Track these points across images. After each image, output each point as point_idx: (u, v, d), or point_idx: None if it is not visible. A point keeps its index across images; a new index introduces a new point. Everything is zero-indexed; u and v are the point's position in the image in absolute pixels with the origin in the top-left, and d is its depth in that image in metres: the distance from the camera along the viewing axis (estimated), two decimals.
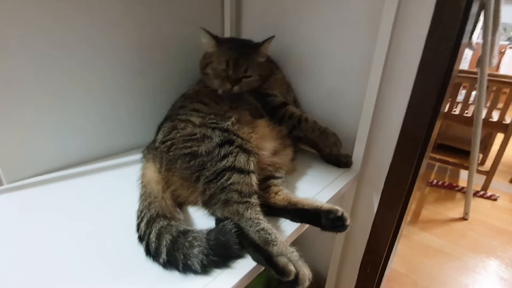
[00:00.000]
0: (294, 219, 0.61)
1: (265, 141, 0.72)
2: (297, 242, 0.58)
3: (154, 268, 0.49)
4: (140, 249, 0.53)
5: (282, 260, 0.48)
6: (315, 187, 0.76)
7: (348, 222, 0.59)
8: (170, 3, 0.90)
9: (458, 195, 2.25)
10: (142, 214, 0.57)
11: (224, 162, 0.60)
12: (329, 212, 0.59)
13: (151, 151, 0.72)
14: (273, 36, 0.83)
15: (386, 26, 0.71)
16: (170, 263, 0.48)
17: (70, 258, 0.51)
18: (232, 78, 0.79)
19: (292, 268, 0.47)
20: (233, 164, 0.60)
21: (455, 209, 2.06)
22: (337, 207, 0.60)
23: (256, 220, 0.53)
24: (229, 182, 0.58)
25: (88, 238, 0.56)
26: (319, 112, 0.98)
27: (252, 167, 0.61)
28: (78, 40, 0.75)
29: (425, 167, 1.02)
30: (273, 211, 0.62)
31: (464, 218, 1.96)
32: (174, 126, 0.69)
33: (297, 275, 0.46)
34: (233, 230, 0.51)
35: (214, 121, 0.68)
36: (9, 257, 0.51)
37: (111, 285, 0.46)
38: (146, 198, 0.60)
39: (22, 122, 0.72)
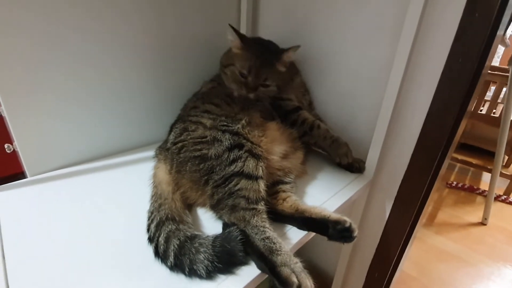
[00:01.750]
0: (301, 227, 0.61)
1: (275, 144, 0.71)
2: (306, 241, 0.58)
3: (162, 269, 0.51)
4: (149, 249, 0.55)
5: (285, 270, 0.48)
6: (325, 193, 0.75)
7: (355, 233, 0.58)
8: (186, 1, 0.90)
9: (479, 199, 2.17)
10: (152, 216, 0.58)
11: (232, 167, 0.61)
12: (336, 222, 0.59)
13: (163, 151, 0.73)
14: (299, 46, 0.81)
15: (411, 22, 0.68)
16: (177, 267, 0.50)
17: (84, 252, 0.54)
18: (250, 85, 0.79)
19: (294, 279, 0.47)
20: (241, 170, 0.60)
21: (474, 213, 1.99)
22: (345, 218, 0.59)
23: (262, 228, 0.54)
24: (236, 187, 0.58)
25: (103, 233, 0.59)
26: (334, 113, 0.96)
27: (260, 172, 0.62)
28: (108, 37, 0.77)
29: (444, 171, 0.99)
30: (280, 218, 0.63)
31: (482, 223, 1.89)
32: (186, 128, 0.70)
33: (299, 286, 0.47)
34: (238, 238, 0.52)
35: (225, 123, 0.69)
36: (27, 248, 0.55)
37: (120, 281, 0.49)
38: (156, 199, 0.62)
39: (44, 117, 0.75)
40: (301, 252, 1.22)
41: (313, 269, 1.17)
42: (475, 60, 0.66)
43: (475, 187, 2.24)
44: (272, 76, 0.80)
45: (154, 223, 0.56)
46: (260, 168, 0.62)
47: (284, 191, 0.67)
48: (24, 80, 0.69)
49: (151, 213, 0.59)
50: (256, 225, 0.54)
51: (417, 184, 0.84)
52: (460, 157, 2.46)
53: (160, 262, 0.52)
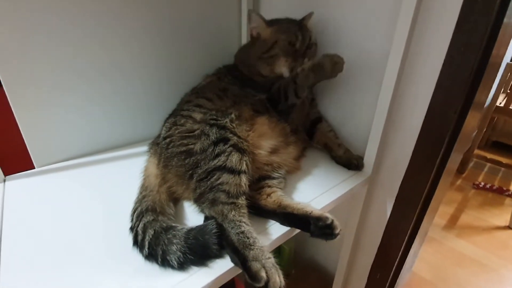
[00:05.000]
0: (283, 222, 0.61)
1: (263, 139, 0.71)
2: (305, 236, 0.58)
3: (138, 258, 0.53)
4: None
5: (255, 265, 0.48)
6: (316, 189, 0.73)
7: (337, 231, 0.57)
8: None
9: (508, 201, 2.01)
10: (136, 206, 0.60)
11: (215, 161, 0.61)
12: (318, 219, 0.57)
13: (154, 146, 0.75)
14: (312, 13, 0.84)
15: (407, 10, 0.64)
16: (152, 256, 0.51)
17: (75, 240, 0.57)
18: (302, 49, 0.80)
19: (263, 274, 0.46)
20: (224, 164, 0.60)
21: (501, 216, 1.85)
22: (327, 215, 0.57)
23: (238, 222, 0.53)
24: (218, 182, 0.58)
25: (95, 223, 0.61)
26: (332, 109, 0.93)
27: (244, 167, 0.61)
28: (110, 32, 0.80)
29: (454, 167, 0.93)
30: (263, 212, 0.62)
31: (509, 227, 1.76)
32: (175, 122, 0.71)
33: (267, 282, 0.46)
34: (213, 231, 0.52)
35: (214, 117, 0.69)
36: (23, 234, 0.58)
37: (100, 266, 0.51)
38: (142, 191, 0.64)
39: (50, 110, 0.78)
40: (303, 248, 1.20)
41: (314, 265, 1.16)
42: (478, 50, 0.61)
43: (505, 189, 2.08)
44: (312, 33, 0.83)
45: (136, 213, 0.58)
46: (244, 162, 0.62)
47: (269, 186, 0.66)
48: (29, 74, 0.73)
49: (135, 203, 0.61)
50: (233, 219, 0.54)
51: (420, 182, 0.80)
52: (489, 156, 2.30)
53: (137, 251, 0.53)
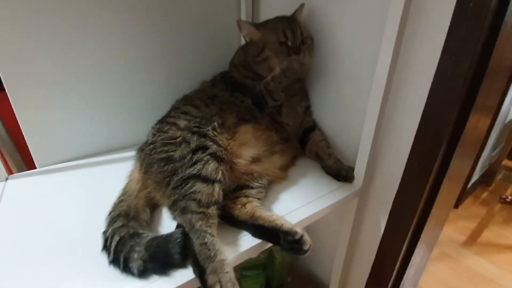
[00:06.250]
0: (254, 234, 0.59)
1: (244, 148, 0.70)
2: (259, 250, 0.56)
3: (105, 264, 0.54)
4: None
5: (212, 279, 0.47)
6: (299, 200, 0.71)
7: (307, 247, 0.55)
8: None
9: None
10: (111, 210, 0.62)
11: (191, 169, 0.61)
12: (287, 233, 0.55)
13: (140, 151, 0.76)
14: (303, 4, 0.82)
15: (394, 14, 0.60)
16: (115, 262, 0.52)
17: (59, 240, 0.59)
18: (295, 45, 0.78)
19: None
20: (199, 172, 0.60)
21: None
22: (296, 229, 0.55)
23: (203, 233, 0.53)
24: (191, 190, 0.58)
25: (85, 224, 0.63)
26: (322, 118, 0.90)
27: (219, 176, 0.61)
28: (110, 35, 0.83)
29: (463, 175, 0.86)
30: (236, 223, 0.61)
31: None
32: (160, 129, 0.72)
33: None
34: (177, 240, 0.52)
35: (197, 125, 0.69)
36: (14, 234, 0.62)
37: (70, 268, 0.53)
38: (121, 195, 0.65)
39: (51, 111, 0.82)
40: (298, 257, 1.17)
41: (310, 275, 1.12)
42: (472, 56, 0.57)
43: None
44: (304, 29, 0.81)
45: (109, 217, 0.59)
46: (220, 171, 0.62)
47: (246, 196, 0.65)
48: (29, 74, 0.76)
49: (111, 207, 0.63)
50: (199, 230, 0.53)
51: (413, 197, 0.75)
52: None
53: (106, 255, 0.55)
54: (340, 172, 0.79)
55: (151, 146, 0.70)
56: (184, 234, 0.53)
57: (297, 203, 0.70)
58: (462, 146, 0.69)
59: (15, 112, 0.79)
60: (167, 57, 0.96)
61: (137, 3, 0.84)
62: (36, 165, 0.88)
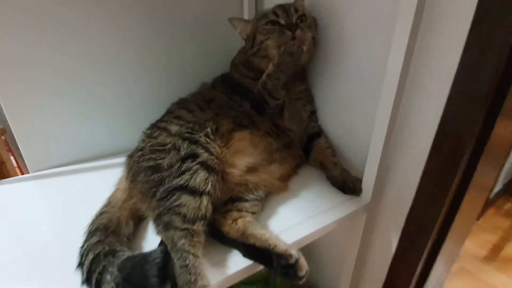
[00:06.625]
0: (245, 254, 0.53)
1: (238, 156, 0.64)
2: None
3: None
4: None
5: None
6: (299, 214, 0.64)
7: (303, 273, 0.48)
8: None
9: None
10: (90, 223, 0.57)
11: (178, 180, 0.55)
12: (280, 256, 0.49)
13: (129, 158, 0.71)
14: None
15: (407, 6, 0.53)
16: (87, 283, 0.47)
17: (41, 248, 0.56)
18: (290, 22, 0.70)
19: None
20: (186, 183, 0.54)
21: None
22: (291, 252, 0.49)
23: (185, 253, 0.47)
24: (176, 203, 0.53)
25: (68, 235, 0.59)
26: (333, 124, 0.83)
27: (208, 187, 0.55)
28: (106, 38, 0.79)
29: (488, 184, 0.76)
30: (225, 240, 0.55)
31: None
32: (150, 134, 0.68)
33: None
34: (156, 261, 0.46)
35: (189, 130, 0.64)
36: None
37: (44, 280, 0.49)
38: (103, 206, 0.60)
39: (44, 115, 0.79)
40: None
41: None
42: (499, 52, 0.49)
43: None
44: (301, 6, 0.74)
45: (87, 231, 0.54)
46: (210, 182, 0.56)
47: (238, 210, 0.59)
48: (22, 79, 0.73)
49: (91, 220, 0.58)
50: (181, 249, 0.48)
51: (430, 213, 0.67)
52: None
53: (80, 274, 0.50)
54: (347, 184, 0.71)
55: (140, 152, 0.65)
56: (164, 253, 0.48)
57: (296, 218, 0.63)
58: (487, 155, 0.61)
59: (7, 117, 0.76)
60: (165, 59, 0.91)
61: (134, 4, 0.80)
62: (29, 170, 0.85)
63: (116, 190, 0.65)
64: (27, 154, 0.82)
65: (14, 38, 0.69)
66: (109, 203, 0.61)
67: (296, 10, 0.72)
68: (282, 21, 0.71)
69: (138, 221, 0.61)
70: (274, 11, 0.72)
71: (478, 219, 1.87)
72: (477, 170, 0.62)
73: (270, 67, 0.71)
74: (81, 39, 0.76)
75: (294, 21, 0.71)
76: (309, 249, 0.71)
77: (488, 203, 1.92)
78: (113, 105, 0.88)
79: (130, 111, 0.91)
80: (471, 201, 0.69)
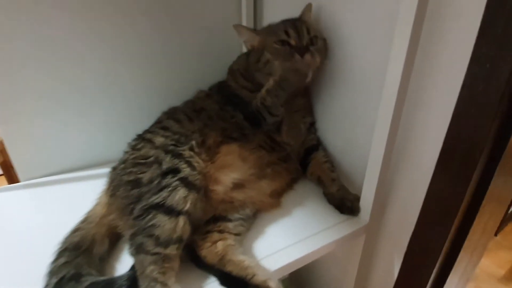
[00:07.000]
0: (221, 283, 0.48)
1: (224, 171, 0.59)
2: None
3: None
4: None
5: None
6: (290, 236, 0.59)
7: None
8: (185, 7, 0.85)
9: None
10: (62, 240, 0.53)
11: (156, 197, 0.52)
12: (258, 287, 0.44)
13: (113, 170, 0.68)
14: (310, 4, 0.71)
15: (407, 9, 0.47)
16: None
17: (33, 258, 0.53)
18: (301, 45, 0.66)
19: None
20: (163, 201, 0.51)
21: None
22: (270, 284, 0.44)
23: (153, 282, 0.43)
24: (150, 223, 0.49)
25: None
26: (333, 136, 0.77)
27: (187, 206, 0.51)
28: (101, 43, 0.77)
29: (506, 201, 0.69)
30: (202, 265, 0.51)
31: None
32: (134, 146, 0.64)
33: None
34: None
35: (174, 143, 0.60)
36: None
37: None
38: (80, 222, 0.57)
39: (35, 124, 0.77)
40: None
41: None
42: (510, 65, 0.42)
43: None
44: (313, 28, 0.69)
45: (56, 251, 0.51)
46: (189, 201, 0.52)
47: (220, 231, 0.55)
48: (12, 87, 0.71)
49: (64, 237, 0.54)
50: (149, 276, 0.44)
51: (436, 235, 0.60)
52: None
53: None
54: (344, 203, 0.66)
55: (122, 165, 0.62)
56: (132, 280, 0.44)
57: (287, 240, 0.58)
58: (505, 165, 0.53)
59: None
60: (163, 64, 0.88)
61: (131, 8, 0.78)
62: (19, 179, 0.83)
63: (97, 204, 0.62)
64: (18, 162, 0.80)
65: (6, 43, 0.67)
66: (86, 219, 0.58)
67: (308, 32, 0.67)
68: (293, 42, 0.67)
69: (116, 239, 0.57)
70: (285, 30, 0.67)
71: (496, 234, 1.75)
72: (492, 182, 0.54)
73: (271, 82, 0.66)
74: (76, 46, 0.74)
75: (305, 43, 0.66)
76: (308, 266, 0.66)
77: (507, 218, 1.79)
78: (108, 112, 0.85)
79: (126, 119, 0.88)
80: (486, 215, 0.62)
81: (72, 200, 0.71)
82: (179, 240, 0.48)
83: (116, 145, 0.87)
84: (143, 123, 0.79)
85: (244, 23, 0.92)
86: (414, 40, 0.49)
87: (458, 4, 0.46)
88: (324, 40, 0.70)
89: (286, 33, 0.67)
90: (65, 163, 0.85)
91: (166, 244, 0.47)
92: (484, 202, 0.55)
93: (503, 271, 1.50)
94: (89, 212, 0.60)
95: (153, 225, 0.49)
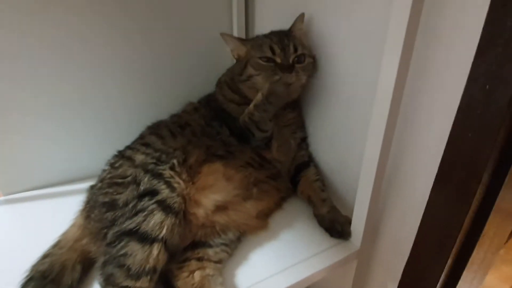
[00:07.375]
0: None
1: (205, 193, 0.56)
2: None
3: None
4: None
5: None
6: (276, 263, 0.56)
7: None
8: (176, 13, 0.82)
9: None
10: (29, 269, 0.50)
11: (129, 222, 0.48)
12: None
13: (90, 188, 0.65)
14: (303, 13, 0.68)
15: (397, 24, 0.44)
16: None
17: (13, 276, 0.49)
18: (285, 62, 0.64)
19: None
20: (137, 227, 0.47)
21: None
22: None
23: None
24: (122, 251, 0.46)
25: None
26: (325, 153, 0.74)
27: (163, 233, 0.47)
28: (88, 53, 0.74)
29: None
30: None
31: None
32: (113, 164, 0.61)
33: None
34: None
35: (155, 161, 0.57)
36: None
37: None
38: (50, 247, 0.53)
39: (18, 137, 0.74)
40: None
41: None
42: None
43: None
44: (301, 44, 0.66)
45: (24, 279, 0.48)
46: (166, 226, 0.48)
47: (199, 259, 0.51)
48: None
49: (32, 264, 0.51)
50: None
51: (433, 265, 0.56)
52: None
53: None
54: (334, 226, 0.62)
55: (99, 184, 0.59)
56: None
57: (273, 267, 0.55)
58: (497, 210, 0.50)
59: None
60: (151, 76, 0.85)
61: (118, 19, 0.75)
62: (1, 193, 0.80)
63: (72, 225, 0.58)
64: (0, 176, 0.77)
65: None
66: (57, 243, 0.54)
67: (296, 49, 0.64)
68: (278, 60, 0.64)
69: (89, 265, 0.54)
70: (271, 46, 0.64)
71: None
72: (499, 196, 0.50)
73: (259, 96, 0.64)
74: (56, 58, 0.71)
75: (290, 61, 0.64)
76: None
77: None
78: (92, 125, 0.82)
79: (111, 132, 0.85)
80: (493, 230, 0.58)
81: (55, 215, 0.67)
82: (152, 271, 0.45)
83: (102, 159, 0.84)
84: (130, 135, 0.76)
85: (235, 34, 0.90)
86: (406, 57, 0.45)
87: (454, 18, 0.43)
88: (313, 57, 0.68)
89: (272, 49, 0.64)
90: (48, 177, 0.82)
91: (137, 276, 0.44)
92: (484, 231, 0.51)
93: (507, 287, 1.44)
94: (62, 235, 0.56)
95: (124, 254, 0.45)
